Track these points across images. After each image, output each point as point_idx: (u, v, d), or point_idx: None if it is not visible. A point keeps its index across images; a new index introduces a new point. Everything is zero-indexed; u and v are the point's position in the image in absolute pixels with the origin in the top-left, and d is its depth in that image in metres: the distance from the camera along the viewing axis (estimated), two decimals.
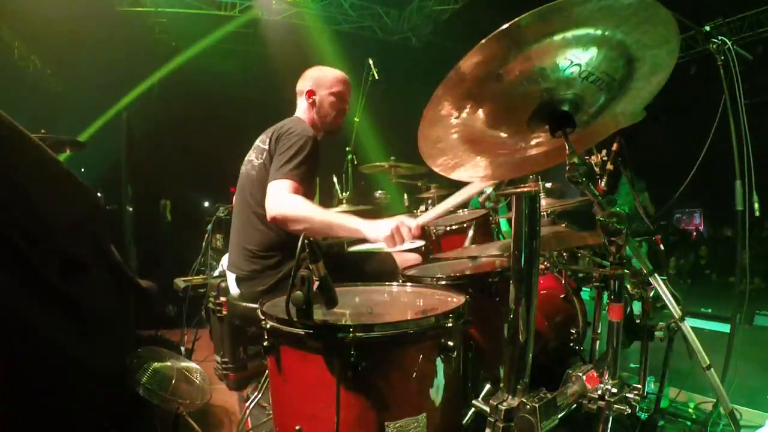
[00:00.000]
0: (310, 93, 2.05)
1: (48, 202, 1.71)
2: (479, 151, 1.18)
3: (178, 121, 6.66)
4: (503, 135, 1.13)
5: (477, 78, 0.96)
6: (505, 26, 0.86)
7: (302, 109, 2.09)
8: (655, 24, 0.93)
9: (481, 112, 1.05)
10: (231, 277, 2.02)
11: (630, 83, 1.06)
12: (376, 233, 1.64)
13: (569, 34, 0.92)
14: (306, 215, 1.67)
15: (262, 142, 1.94)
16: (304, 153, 1.77)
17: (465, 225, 2.62)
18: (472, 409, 1.07)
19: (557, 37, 0.91)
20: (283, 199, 1.69)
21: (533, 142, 1.19)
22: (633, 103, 1.14)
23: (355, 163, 3.32)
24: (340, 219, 1.73)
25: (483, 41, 0.88)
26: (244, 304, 1.89)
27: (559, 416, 1.03)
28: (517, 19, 0.85)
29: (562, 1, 0.83)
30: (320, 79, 2.07)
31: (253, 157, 1.94)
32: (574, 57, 0.95)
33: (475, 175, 1.27)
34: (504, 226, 3.31)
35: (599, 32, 0.93)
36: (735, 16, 6.34)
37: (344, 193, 3.13)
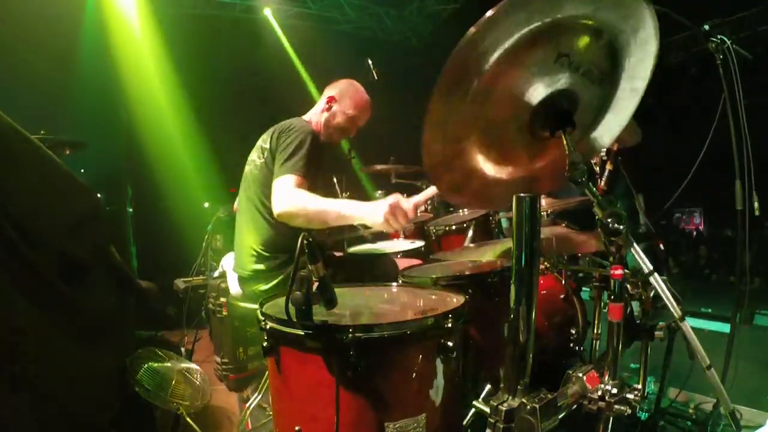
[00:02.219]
0: (331, 99, 2.09)
1: (48, 203, 1.71)
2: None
3: (179, 121, 6.65)
4: (508, 168, 1.14)
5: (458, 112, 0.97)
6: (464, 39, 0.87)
7: (314, 111, 2.13)
8: (628, 6, 0.94)
9: (479, 155, 1.07)
10: (233, 278, 2.02)
11: (617, 80, 1.07)
12: (373, 218, 1.60)
13: (549, 19, 0.92)
14: (310, 210, 1.65)
15: (263, 141, 1.95)
16: (304, 147, 1.78)
17: (465, 225, 2.62)
18: (472, 410, 1.07)
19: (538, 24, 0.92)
20: (289, 194, 1.69)
21: (538, 164, 1.20)
22: (621, 114, 1.15)
23: (352, 156, 3.31)
24: (338, 209, 1.67)
25: (443, 72, 0.91)
26: (244, 304, 1.89)
27: (560, 417, 1.03)
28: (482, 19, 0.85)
29: None
30: (346, 94, 2.10)
31: (255, 157, 1.96)
32: (563, 47, 0.96)
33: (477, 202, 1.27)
34: (505, 224, 3.31)
35: (579, 13, 0.93)
36: (734, 15, 6.33)
37: (344, 194, 3.13)
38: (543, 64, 0.98)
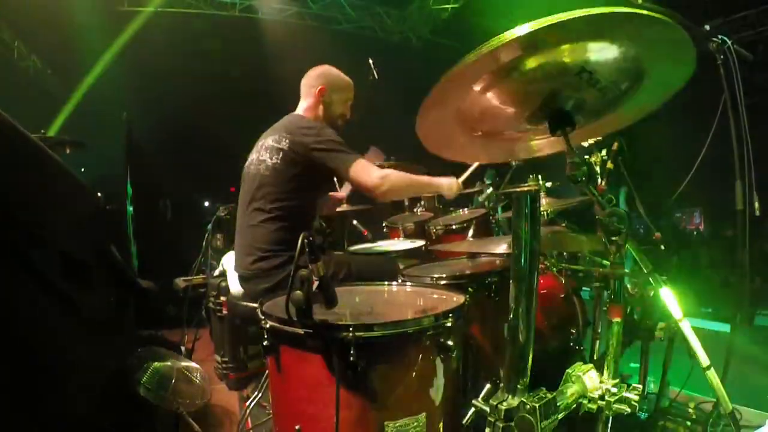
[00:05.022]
0: (322, 91, 2.07)
1: (49, 203, 1.71)
2: (471, 131, 1.19)
3: (179, 121, 6.65)
4: (505, 118, 1.14)
5: (500, 65, 0.96)
6: (522, 31, 0.86)
7: (307, 106, 2.09)
8: (675, 46, 0.94)
9: (492, 93, 1.06)
10: (233, 276, 2.01)
11: (632, 95, 1.07)
12: (449, 188, 2.03)
13: (592, 44, 0.92)
14: (405, 180, 1.90)
15: (276, 142, 1.93)
16: (337, 136, 1.90)
17: (465, 224, 2.62)
18: (472, 409, 1.07)
19: (579, 44, 0.91)
20: (381, 173, 1.84)
21: (529, 128, 1.20)
22: (631, 112, 1.15)
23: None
24: (427, 180, 2.03)
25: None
26: (245, 303, 1.89)
27: (559, 416, 1.03)
28: (540, 22, 0.84)
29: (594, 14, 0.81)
30: (333, 80, 2.11)
31: (265, 157, 1.93)
32: (590, 64, 0.96)
33: (461, 155, 1.28)
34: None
35: (622, 46, 0.93)
36: (735, 15, 6.33)
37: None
38: (564, 73, 0.98)
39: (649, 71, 1.00)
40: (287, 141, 1.88)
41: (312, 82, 2.10)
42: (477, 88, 1.03)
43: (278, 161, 1.88)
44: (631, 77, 1.02)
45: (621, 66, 0.98)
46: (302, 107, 2.11)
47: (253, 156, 2.01)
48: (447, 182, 2.03)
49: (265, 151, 1.95)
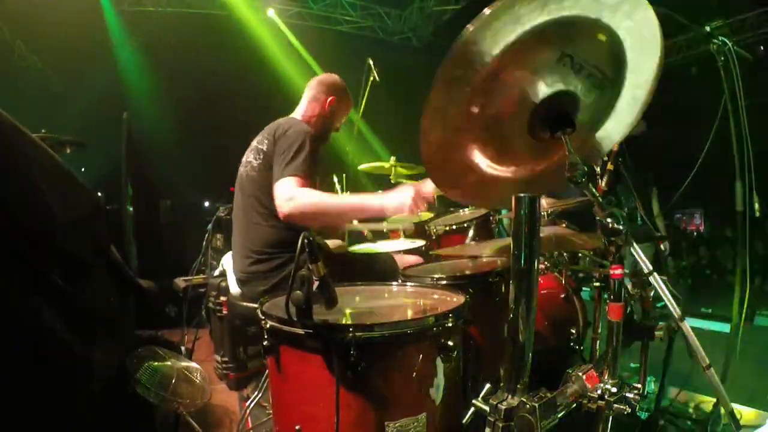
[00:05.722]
0: (332, 102, 2.07)
1: (49, 203, 1.71)
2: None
3: (179, 121, 6.66)
4: (509, 168, 1.14)
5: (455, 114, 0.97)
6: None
7: (307, 110, 2.09)
8: (641, 22, 0.95)
9: (477, 150, 1.07)
10: (233, 278, 2.02)
11: (619, 86, 1.07)
12: (397, 207, 1.65)
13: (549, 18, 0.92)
14: (320, 206, 1.67)
15: (259, 143, 1.93)
16: (305, 149, 1.78)
17: (465, 225, 2.62)
18: (472, 409, 1.07)
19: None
20: (294, 194, 1.68)
21: (538, 167, 1.20)
22: (622, 122, 1.16)
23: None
24: (356, 202, 1.74)
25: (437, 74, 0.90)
26: (245, 303, 1.89)
27: (559, 416, 1.03)
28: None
29: None
30: (342, 94, 2.12)
31: (251, 158, 1.94)
32: (568, 48, 0.97)
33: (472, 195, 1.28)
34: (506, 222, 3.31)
35: (589, 16, 0.94)
36: (736, 16, 6.34)
37: (344, 194, 3.13)
38: (545, 63, 0.98)
39: (625, 51, 1.01)
40: (267, 142, 1.87)
41: (322, 89, 2.09)
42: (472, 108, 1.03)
43: (260, 161, 1.87)
44: (610, 59, 1.02)
45: (599, 47, 0.98)
46: (301, 111, 2.09)
47: (243, 158, 2.01)
48: (394, 201, 1.66)
49: (250, 152, 1.96)
